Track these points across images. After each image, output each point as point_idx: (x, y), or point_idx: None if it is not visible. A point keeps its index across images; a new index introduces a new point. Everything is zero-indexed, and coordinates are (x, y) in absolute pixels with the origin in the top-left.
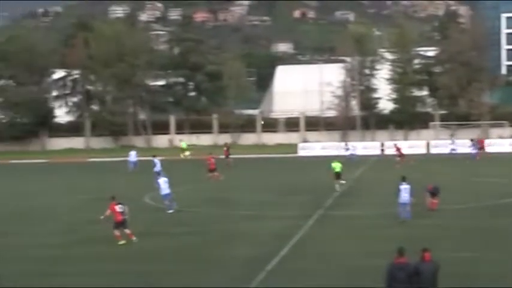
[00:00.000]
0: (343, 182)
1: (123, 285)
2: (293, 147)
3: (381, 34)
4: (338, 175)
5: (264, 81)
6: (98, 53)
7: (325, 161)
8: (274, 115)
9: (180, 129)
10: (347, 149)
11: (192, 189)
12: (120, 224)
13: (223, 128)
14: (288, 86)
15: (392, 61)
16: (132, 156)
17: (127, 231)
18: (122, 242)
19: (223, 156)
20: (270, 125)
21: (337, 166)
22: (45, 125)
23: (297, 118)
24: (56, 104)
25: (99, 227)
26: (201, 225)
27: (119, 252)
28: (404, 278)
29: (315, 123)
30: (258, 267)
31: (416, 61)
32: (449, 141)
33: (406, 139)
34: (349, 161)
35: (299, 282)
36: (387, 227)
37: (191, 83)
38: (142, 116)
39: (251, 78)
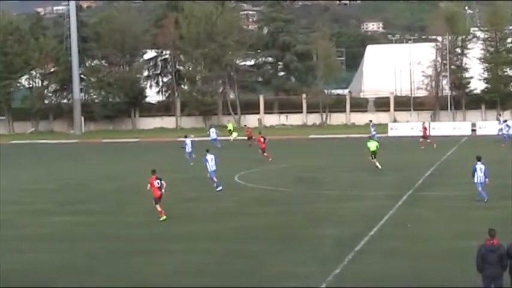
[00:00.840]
0: (378, 165)
1: (210, 264)
2: (383, 127)
3: (473, 12)
4: (374, 154)
5: (354, 61)
6: (188, 34)
7: (415, 141)
8: (363, 95)
9: (269, 109)
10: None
11: (280, 168)
12: (159, 199)
13: (313, 108)
14: (378, 66)
15: (485, 40)
16: (213, 133)
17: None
18: (164, 217)
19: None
20: (360, 105)
21: (372, 145)
22: (136, 104)
23: (387, 98)
24: (147, 83)
25: (191, 205)
26: (289, 205)
27: (209, 230)
28: (496, 260)
29: (404, 103)
30: (346, 247)
31: (509, 39)
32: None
33: (497, 119)
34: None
35: (388, 263)
36: (477, 208)
37: (280, 63)
38: (231, 95)
39: (341, 58)
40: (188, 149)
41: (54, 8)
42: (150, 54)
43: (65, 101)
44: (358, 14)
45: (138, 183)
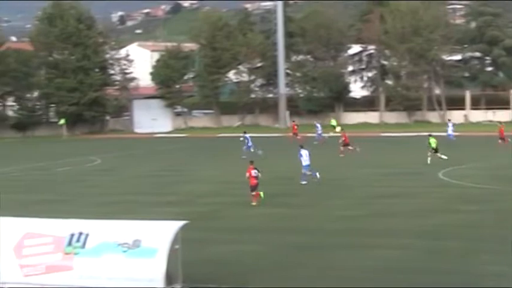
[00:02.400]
0: (444, 157)
1: (410, 261)
2: None
3: None
4: (435, 150)
5: None
6: (393, 28)
7: None
8: None
9: (475, 105)
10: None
11: (487, 165)
12: (255, 187)
13: None
14: None
15: None
16: (319, 128)
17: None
18: (255, 203)
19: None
20: None
21: (433, 142)
22: (340, 99)
23: None
24: (351, 78)
25: (393, 201)
26: (494, 203)
27: (410, 226)
28: None
29: None
30: None
31: None
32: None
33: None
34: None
35: None
36: None
37: (488, 58)
38: (437, 91)
39: None
40: (249, 143)
41: (262, 4)
42: (354, 49)
43: (271, 95)
44: None
45: (345, 176)
